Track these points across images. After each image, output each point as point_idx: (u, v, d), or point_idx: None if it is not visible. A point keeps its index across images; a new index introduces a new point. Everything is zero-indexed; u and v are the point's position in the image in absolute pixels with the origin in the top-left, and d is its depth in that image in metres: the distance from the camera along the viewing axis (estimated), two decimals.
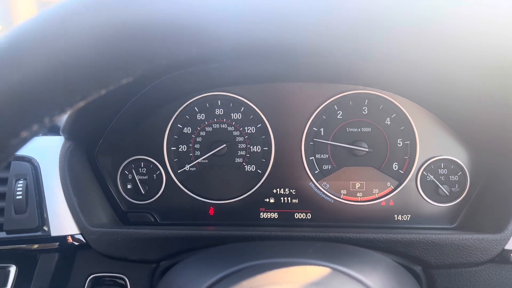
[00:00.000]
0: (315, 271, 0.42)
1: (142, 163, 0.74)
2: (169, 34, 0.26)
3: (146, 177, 0.74)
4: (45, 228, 0.64)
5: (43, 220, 0.64)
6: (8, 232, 0.63)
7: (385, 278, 0.46)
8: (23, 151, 0.67)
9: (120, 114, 0.70)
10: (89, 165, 0.71)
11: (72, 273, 0.66)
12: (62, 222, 0.64)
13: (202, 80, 0.70)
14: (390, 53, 0.29)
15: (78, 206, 0.64)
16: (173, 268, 0.55)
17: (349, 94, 0.72)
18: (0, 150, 0.26)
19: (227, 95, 0.74)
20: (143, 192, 0.74)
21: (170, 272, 0.54)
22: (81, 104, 0.26)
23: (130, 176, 0.74)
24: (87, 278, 0.66)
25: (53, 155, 0.67)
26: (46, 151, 0.68)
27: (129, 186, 0.74)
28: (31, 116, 0.25)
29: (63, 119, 0.64)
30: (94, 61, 0.25)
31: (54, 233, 0.64)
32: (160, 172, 0.74)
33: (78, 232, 0.65)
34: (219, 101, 0.75)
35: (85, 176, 0.69)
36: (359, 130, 0.73)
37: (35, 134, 0.25)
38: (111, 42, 0.25)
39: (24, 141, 0.26)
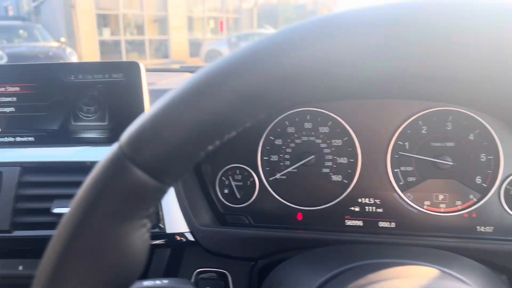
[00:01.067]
0: (425, 270, 0.48)
1: (238, 171, 0.83)
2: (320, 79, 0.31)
3: (241, 183, 0.82)
4: (161, 225, 0.73)
5: (159, 218, 0.73)
6: None
7: (484, 280, 0.50)
8: None
9: None
10: (194, 172, 0.80)
11: (181, 267, 0.75)
12: (175, 221, 0.74)
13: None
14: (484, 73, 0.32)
15: (189, 207, 0.73)
16: (280, 266, 0.62)
17: (434, 110, 0.77)
18: (189, 161, 0.33)
19: (316, 111, 0.81)
20: (238, 197, 0.82)
21: (277, 269, 0.61)
22: None
23: (227, 182, 0.83)
24: (194, 271, 0.75)
25: None
26: None
27: (226, 191, 0.83)
28: (218, 135, 0.32)
29: None
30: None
31: (168, 230, 0.73)
32: (254, 179, 0.82)
33: (188, 230, 0.74)
34: (308, 116, 0.82)
35: (191, 181, 0.78)
36: (443, 144, 0.77)
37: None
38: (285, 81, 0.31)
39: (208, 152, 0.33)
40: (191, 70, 1.52)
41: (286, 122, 0.82)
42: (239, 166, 0.83)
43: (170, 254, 0.74)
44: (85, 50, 12.18)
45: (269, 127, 0.82)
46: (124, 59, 13.52)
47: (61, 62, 0.88)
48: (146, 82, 0.89)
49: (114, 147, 0.31)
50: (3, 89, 0.90)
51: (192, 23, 15.40)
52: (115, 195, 0.31)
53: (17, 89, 0.90)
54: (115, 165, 0.30)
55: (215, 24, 16.09)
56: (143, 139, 0.30)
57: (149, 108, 0.39)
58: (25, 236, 0.74)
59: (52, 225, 0.74)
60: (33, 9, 14.68)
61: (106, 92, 0.90)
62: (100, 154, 0.74)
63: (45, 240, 0.74)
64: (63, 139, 0.89)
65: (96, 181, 0.31)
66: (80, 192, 0.32)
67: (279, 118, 0.82)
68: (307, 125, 0.82)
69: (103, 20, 13.41)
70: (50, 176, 0.77)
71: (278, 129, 0.82)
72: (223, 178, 0.83)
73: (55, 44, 9.44)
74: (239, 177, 0.83)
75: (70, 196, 0.77)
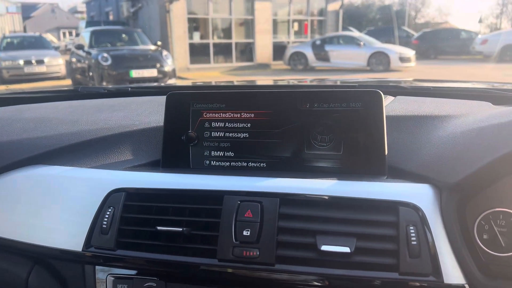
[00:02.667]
0: None
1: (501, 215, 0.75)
2: None
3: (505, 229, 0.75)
4: (438, 274, 0.68)
5: (436, 266, 0.68)
6: (402, 274, 0.69)
7: None
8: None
9: None
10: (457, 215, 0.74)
11: None
12: (452, 271, 0.68)
13: None
14: None
15: (467, 255, 0.68)
16: None
17: None
18: None
19: None
20: (503, 245, 0.74)
21: None
22: None
23: (487, 227, 0.76)
24: None
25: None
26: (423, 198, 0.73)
27: (485, 237, 0.76)
28: None
29: None
30: None
31: (446, 280, 0.68)
32: None
33: (464, 282, 0.68)
34: None
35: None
36: None
37: None
38: None
39: None
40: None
41: None
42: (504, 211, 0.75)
43: None
44: (177, 53, 12.83)
45: None
46: (212, 62, 14.02)
47: (298, 90, 0.87)
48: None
49: None
50: (238, 115, 0.92)
51: (277, 26, 15.53)
52: None
53: (252, 115, 0.91)
54: None
55: (299, 26, 16.06)
56: None
57: None
58: (288, 270, 0.73)
59: (315, 262, 0.72)
60: (131, 14, 15.81)
61: (343, 121, 0.87)
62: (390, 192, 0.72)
63: (308, 275, 0.73)
64: (295, 167, 0.88)
65: None
66: None
67: None
68: None
69: (194, 24, 14.02)
70: (313, 210, 0.75)
71: None
72: (482, 222, 0.76)
73: (152, 47, 10.03)
74: (503, 222, 0.75)
75: (334, 233, 0.76)
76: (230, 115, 0.92)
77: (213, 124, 0.93)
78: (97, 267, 0.85)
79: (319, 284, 0.73)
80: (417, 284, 0.69)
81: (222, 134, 0.92)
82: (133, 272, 0.82)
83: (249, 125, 0.91)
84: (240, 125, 0.91)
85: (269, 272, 0.74)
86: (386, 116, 0.86)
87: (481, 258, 0.75)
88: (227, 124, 0.92)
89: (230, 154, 0.91)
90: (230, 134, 0.92)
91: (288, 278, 0.74)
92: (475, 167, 0.70)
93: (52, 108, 1.23)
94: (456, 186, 0.72)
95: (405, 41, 14.74)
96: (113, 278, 0.83)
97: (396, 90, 1.25)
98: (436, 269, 0.69)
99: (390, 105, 1.03)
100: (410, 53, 11.74)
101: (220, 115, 0.92)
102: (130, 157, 0.99)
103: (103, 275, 0.84)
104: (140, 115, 1.09)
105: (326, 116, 0.88)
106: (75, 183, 0.91)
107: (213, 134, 0.92)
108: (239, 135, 0.91)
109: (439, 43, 15.42)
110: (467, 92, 1.20)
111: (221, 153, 0.92)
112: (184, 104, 0.94)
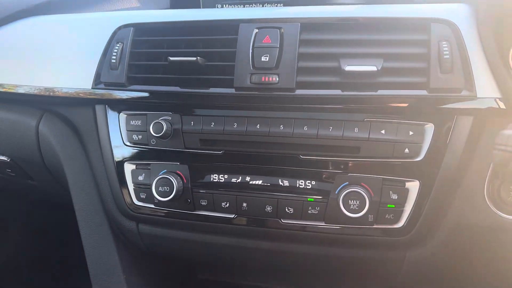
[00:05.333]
0: None
1: None
2: None
3: None
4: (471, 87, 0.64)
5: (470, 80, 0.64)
6: (432, 91, 0.65)
7: None
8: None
9: None
10: None
11: None
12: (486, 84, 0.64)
13: None
14: None
15: (503, 69, 0.63)
16: None
17: None
18: None
19: None
20: None
21: None
22: None
23: None
24: None
25: None
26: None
27: None
28: None
29: None
30: None
31: (479, 94, 0.64)
32: None
33: (499, 95, 0.64)
34: None
35: None
36: None
37: None
38: None
39: None
40: None
41: None
42: None
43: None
44: None
45: None
46: None
47: None
48: None
49: None
50: None
51: None
52: None
53: None
54: None
55: None
56: None
57: None
58: (307, 94, 0.69)
59: (338, 85, 0.68)
60: None
61: None
62: None
63: (328, 99, 0.70)
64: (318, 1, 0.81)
65: None
66: None
67: None
68: None
69: None
70: (336, 34, 0.70)
71: None
72: None
73: None
74: None
75: (359, 56, 0.70)
76: None
77: None
78: (107, 106, 0.81)
79: (341, 106, 0.69)
80: (449, 99, 0.65)
81: None
82: (146, 107, 0.79)
83: None
84: None
85: (289, 98, 0.70)
86: None
87: None
88: None
89: None
90: None
91: (309, 101, 0.70)
92: None
93: None
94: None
95: None
96: (125, 115, 0.80)
97: None
98: (469, 83, 0.64)
99: None
100: None
101: None
102: (136, 4, 0.93)
103: (115, 114, 0.81)
104: None
105: None
106: (80, 24, 0.85)
107: None
108: None
109: None
110: None
111: None
112: None
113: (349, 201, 0.68)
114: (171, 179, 0.74)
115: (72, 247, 1.38)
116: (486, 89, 0.64)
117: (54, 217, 1.47)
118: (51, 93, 0.83)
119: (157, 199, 0.75)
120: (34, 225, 1.45)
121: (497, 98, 0.64)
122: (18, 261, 1.40)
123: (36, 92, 0.85)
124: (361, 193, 0.68)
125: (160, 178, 0.75)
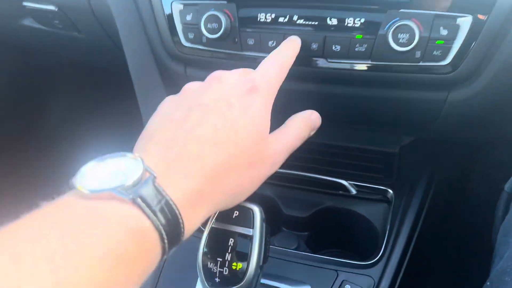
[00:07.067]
0: None
1: None
2: None
3: None
4: None
5: None
6: None
7: None
8: None
9: None
10: None
11: None
12: None
13: None
14: None
15: None
16: None
17: None
18: None
19: None
20: None
21: None
22: None
23: None
24: None
25: None
26: None
27: None
28: None
29: None
30: None
31: None
32: None
33: None
34: None
35: None
36: None
37: None
38: None
39: None
40: None
41: None
42: None
43: None
44: None
45: None
46: None
47: None
48: None
49: None
50: None
51: None
52: None
53: None
54: None
55: None
56: None
57: None
58: None
59: None
60: None
61: None
62: None
63: None
64: None
65: None
66: None
67: None
68: None
69: None
70: None
71: None
72: None
73: None
74: None
75: None
76: None
77: None
78: None
79: None
80: None
81: None
82: None
83: None
84: None
85: None
86: None
87: None
88: None
89: None
90: None
91: None
92: None
93: None
94: None
95: None
96: None
97: None
98: None
99: None
100: None
101: None
102: None
103: None
104: None
105: None
106: None
107: None
108: None
109: None
110: None
111: None
112: None
113: (398, 34, 0.68)
114: (220, 15, 0.75)
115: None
116: None
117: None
118: None
119: (205, 36, 0.77)
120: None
121: None
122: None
123: None
124: (411, 27, 0.67)
125: (209, 15, 0.76)
